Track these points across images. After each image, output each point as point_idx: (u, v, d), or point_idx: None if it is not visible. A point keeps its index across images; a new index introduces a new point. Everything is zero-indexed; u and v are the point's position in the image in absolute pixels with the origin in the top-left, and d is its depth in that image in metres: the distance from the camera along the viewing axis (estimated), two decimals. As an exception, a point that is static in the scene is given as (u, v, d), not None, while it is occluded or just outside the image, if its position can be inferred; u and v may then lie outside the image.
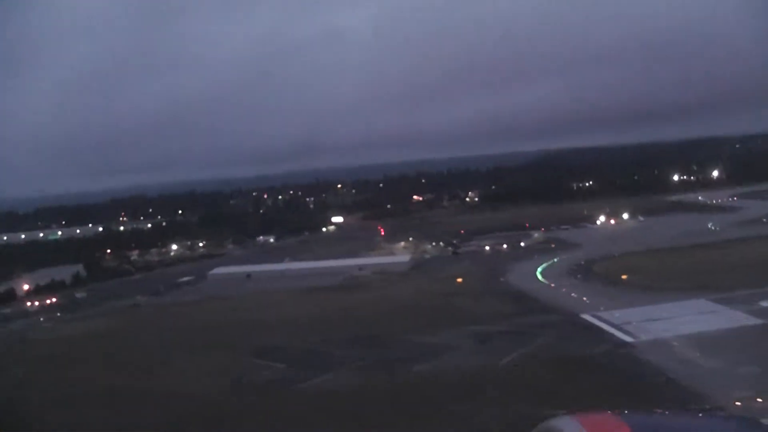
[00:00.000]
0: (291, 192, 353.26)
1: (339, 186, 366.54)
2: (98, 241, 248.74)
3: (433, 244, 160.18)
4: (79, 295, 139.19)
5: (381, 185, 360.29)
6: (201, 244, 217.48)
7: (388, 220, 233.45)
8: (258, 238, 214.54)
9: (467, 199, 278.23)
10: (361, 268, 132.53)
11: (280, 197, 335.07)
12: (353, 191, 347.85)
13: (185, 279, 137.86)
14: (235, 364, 76.90)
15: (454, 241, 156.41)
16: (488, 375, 66.78)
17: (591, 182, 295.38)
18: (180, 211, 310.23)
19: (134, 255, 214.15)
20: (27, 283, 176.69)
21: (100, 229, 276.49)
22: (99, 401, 65.46)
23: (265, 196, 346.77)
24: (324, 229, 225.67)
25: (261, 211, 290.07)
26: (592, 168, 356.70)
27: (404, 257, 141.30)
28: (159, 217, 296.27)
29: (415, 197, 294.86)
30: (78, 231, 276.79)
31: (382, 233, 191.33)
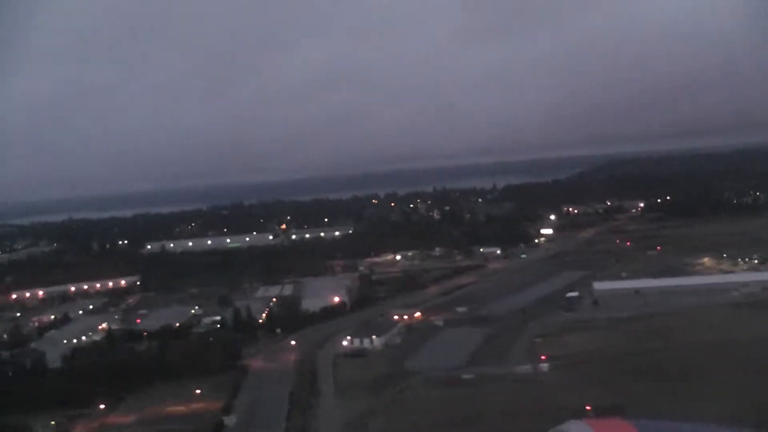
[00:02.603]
0: (417, 201, 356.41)
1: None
2: (292, 251, 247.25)
3: (747, 260, 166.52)
4: (461, 309, 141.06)
5: (502, 194, 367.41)
6: (421, 254, 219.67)
7: (591, 232, 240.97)
8: (481, 250, 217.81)
9: (635, 210, 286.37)
10: (744, 285, 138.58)
11: (411, 205, 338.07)
12: (477, 200, 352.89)
13: (573, 294, 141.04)
14: None
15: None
16: None
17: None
18: (326, 219, 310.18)
19: (362, 266, 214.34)
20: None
21: (270, 237, 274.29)
22: None
23: (392, 204, 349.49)
24: (537, 241, 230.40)
25: (412, 219, 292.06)
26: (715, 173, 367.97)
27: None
28: (315, 226, 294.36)
29: (564, 208, 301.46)
30: (247, 239, 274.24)
31: (659, 248, 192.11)
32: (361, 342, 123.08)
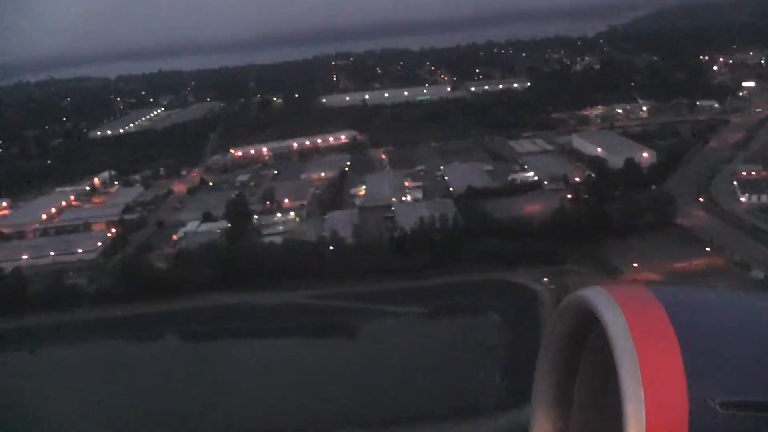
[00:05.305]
0: (548, 51, 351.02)
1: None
2: (486, 104, 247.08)
3: None
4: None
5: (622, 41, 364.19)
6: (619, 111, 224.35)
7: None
8: (698, 103, 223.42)
9: None
10: None
11: (546, 55, 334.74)
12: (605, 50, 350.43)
13: None
14: None
15: None
16: None
17: None
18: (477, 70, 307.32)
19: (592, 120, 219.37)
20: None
21: (448, 89, 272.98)
22: None
23: (523, 54, 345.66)
24: (740, 94, 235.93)
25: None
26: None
27: None
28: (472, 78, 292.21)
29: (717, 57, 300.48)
30: (425, 91, 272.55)
31: None
32: (758, 198, 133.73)
